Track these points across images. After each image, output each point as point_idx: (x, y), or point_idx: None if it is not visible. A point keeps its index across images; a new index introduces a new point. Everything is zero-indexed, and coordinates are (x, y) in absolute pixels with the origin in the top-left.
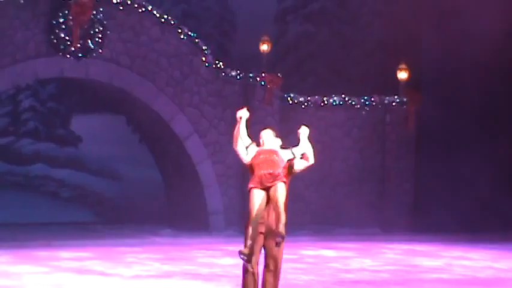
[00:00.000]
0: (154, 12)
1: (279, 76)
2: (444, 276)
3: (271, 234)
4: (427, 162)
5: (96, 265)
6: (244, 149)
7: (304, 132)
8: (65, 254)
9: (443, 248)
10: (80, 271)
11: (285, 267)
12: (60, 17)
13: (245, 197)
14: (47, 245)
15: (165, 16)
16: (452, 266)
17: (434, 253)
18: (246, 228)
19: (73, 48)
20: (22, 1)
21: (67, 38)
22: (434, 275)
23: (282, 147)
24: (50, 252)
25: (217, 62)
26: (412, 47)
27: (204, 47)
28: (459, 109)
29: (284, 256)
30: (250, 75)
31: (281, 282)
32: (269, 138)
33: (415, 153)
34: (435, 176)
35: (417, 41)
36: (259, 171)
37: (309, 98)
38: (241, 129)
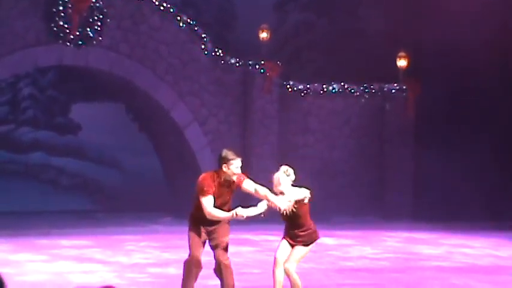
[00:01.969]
0: (153, 0)
1: (278, 64)
2: (444, 264)
3: None
4: (427, 149)
5: (96, 253)
6: None
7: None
8: (64, 242)
9: (443, 236)
10: (80, 259)
11: None
12: (60, 5)
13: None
14: (47, 233)
15: (164, 4)
16: (453, 254)
17: (434, 241)
18: None
19: (72, 36)
20: None
21: (66, 26)
22: (435, 263)
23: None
24: (50, 241)
25: (216, 50)
26: (412, 34)
27: (203, 35)
28: (459, 96)
29: None
30: (250, 63)
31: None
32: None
33: (415, 141)
34: (435, 164)
35: (417, 29)
36: None
37: (308, 86)
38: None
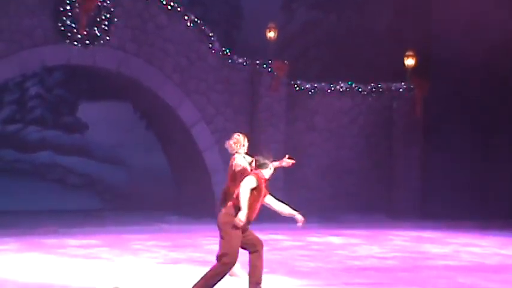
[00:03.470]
0: None
1: (285, 63)
2: (452, 263)
3: None
4: (434, 148)
5: (104, 252)
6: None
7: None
8: (72, 241)
9: (450, 235)
10: (87, 258)
11: (292, 254)
12: (67, 4)
13: None
14: (54, 232)
15: (172, 3)
16: (460, 253)
17: (441, 240)
18: None
19: (80, 36)
20: None
21: (74, 25)
22: (442, 262)
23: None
24: (57, 240)
25: (224, 49)
26: (420, 33)
27: (210, 34)
28: (468, 95)
29: (292, 243)
30: (257, 62)
31: (289, 269)
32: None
33: (423, 140)
34: (443, 163)
35: (425, 27)
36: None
37: (315, 85)
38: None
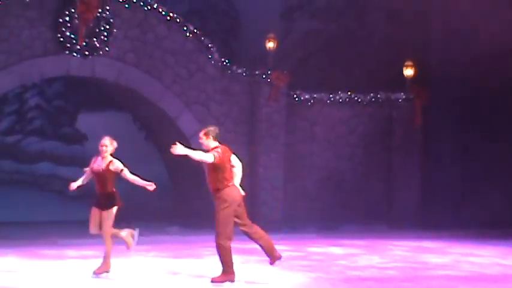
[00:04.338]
0: (160, 10)
1: (285, 73)
2: (452, 273)
3: None
4: (434, 158)
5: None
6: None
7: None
8: (71, 252)
9: (451, 245)
10: (87, 269)
11: (292, 264)
12: (66, 15)
13: (252, 195)
14: (53, 244)
15: (171, 14)
16: (460, 263)
17: (442, 250)
18: None
19: (79, 47)
20: None
21: (73, 36)
22: (442, 272)
23: None
24: (56, 251)
25: (223, 59)
26: (420, 42)
27: (210, 45)
28: (467, 105)
29: (292, 253)
30: (257, 72)
31: (288, 279)
32: None
33: (422, 150)
34: (442, 173)
35: (424, 37)
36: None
37: (315, 95)
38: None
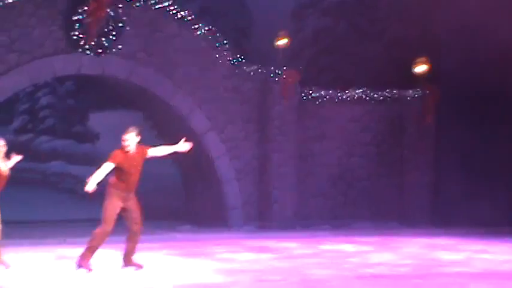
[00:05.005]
0: (171, 8)
1: (296, 71)
2: (465, 270)
3: None
4: (446, 155)
5: (115, 262)
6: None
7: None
8: (81, 250)
9: (463, 242)
10: (99, 267)
11: (304, 262)
12: (78, 14)
13: (264, 193)
14: (65, 242)
15: (182, 12)
16: (473, 260)
17: (454, 247)
18: None
19: (90, 45)
20: None
21: (84, 35)
22: (455, 269)
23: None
24: (68, 249)
25: (234, 57)
26: (431, 40)
27: (221, 43)
28: (479, 101)
29: (304, 251)
30: (268, 70)
31: (301, 277)
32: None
33: (434, 146)
34: (454, 170)
35: (436, 34)
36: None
37: (326, 93)
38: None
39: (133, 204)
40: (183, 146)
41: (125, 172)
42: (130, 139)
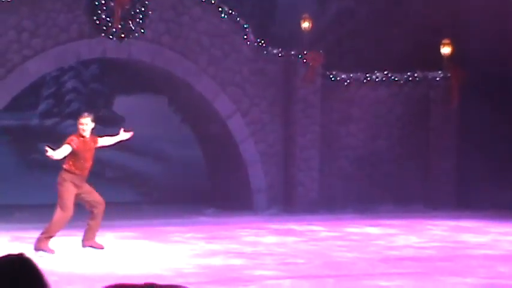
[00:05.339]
0: None
1: (320, 53)
2: (491, 252)
3: None
4: (472, 138)
5: (142, 244)
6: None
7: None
8: (110, 234)
9: (489, 224)
10: (126, 250)
11: (329, 244)
12: None
13: (288, 176)
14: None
15: None
16: (499, 242)
17: (480, 229)
18: None
19: (115, 29)
20: None
21: (108, 19)
22: (481, 251)
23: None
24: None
25: (258, 40)
26: (457, 22)
27: (245, 26)
28: (505, 85)
29: (329, 234)
30: (292, 53)
31: (326, 259)
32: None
33: (460, 129)
34: (480, 152)
35: (462, 16)
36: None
37: (351, 75)
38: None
39: (87, 188)
40: (125, 135)
41: (80, 157)
42: (88, 124)
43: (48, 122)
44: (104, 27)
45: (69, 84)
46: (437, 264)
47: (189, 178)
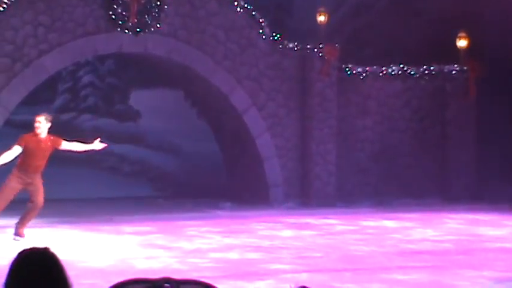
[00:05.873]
0: None
1: (336, 47)
2: (508, 245)
3: None
4: (489, 131)
5: (158, 239)
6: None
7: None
8: (127, 228)
9: (506, 217)
10: (142, 245)
11: (346, 238)
12: None
13: (305, 169)
14: (109, 220)
15: None
16: None
17: (498, 222)
18: None
19: (131, 24)
20: None
21: (125, 13)
22: (499, 244)
23: None
24: (113, 227)
25: (274, 34)
26: (474, 14)
27: (261, 20)
28: None
29: (346, 227)
30: (308, 46)
31: (343, 253)
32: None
33: (477, 122)
34: (497, 145)
35: (479, 8)
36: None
37: (367, 69)
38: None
39: (36, 186)
40: (98, 145)
41: (30, 154)
42: (41, 122)
43: (65, 116)
44: (120, 22)
45: (86, 79)
46: (454, 258)
47: (205, 172)
